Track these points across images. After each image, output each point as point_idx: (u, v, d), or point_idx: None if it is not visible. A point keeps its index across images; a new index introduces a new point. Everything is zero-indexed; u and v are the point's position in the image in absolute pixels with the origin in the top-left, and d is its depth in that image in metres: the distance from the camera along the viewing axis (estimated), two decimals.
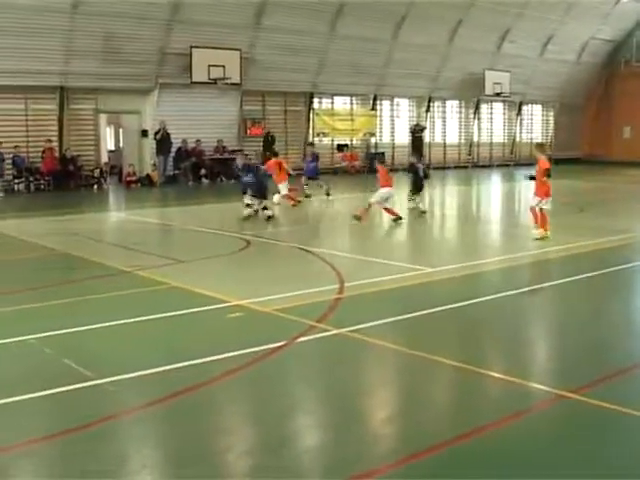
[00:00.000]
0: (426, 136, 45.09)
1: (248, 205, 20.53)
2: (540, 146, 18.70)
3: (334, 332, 9.21)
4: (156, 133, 34.10)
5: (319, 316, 9.88)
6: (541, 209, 16.70)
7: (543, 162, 16.76)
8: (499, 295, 11.63)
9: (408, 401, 7.39)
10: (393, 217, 19.87)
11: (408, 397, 7.49)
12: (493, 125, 49.87)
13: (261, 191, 20.44)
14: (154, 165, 34.51)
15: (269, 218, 19.99)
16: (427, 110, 45.45)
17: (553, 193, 16.86)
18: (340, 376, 7.97)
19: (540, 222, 16.62)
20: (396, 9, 38.89)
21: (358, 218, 19.58)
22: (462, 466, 5.82)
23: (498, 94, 46.01)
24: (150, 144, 34.52)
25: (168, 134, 33.92)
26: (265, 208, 20.25)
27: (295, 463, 6.02)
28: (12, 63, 29.68)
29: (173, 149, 34.65)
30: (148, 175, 34.23)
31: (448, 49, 42.83)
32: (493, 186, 36.79)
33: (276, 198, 23.54)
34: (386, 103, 44.07)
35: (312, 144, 34.35)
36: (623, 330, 10.06)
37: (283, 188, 24.23)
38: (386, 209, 20.16)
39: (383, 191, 20.09)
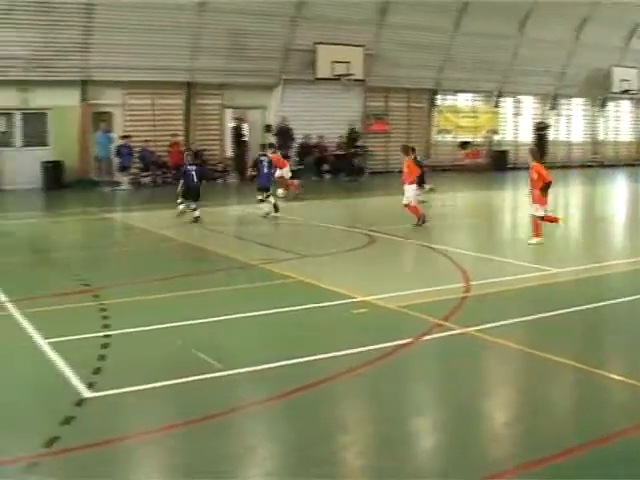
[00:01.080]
0: (550, 134, 44.26)
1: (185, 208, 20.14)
2: (534, 152, 16.87)
3: (460, 331, 9.13)
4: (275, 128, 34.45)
5: (445, 314, 9.81)
6: (534, 216, 15.98)
7: (542, 174, 15.67)
8: (627, 298, 11.30)
9: (532, 403, 7.23)
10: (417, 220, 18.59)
11: (532, 399, 7.33)
12: (620, 123, 48.58)
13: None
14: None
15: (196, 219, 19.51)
16: (552, 108, 44.60)
17: None
18: (465, 376, 7.89)
19: (536, 229, 15.91)
20: (521, 5, 38.34)
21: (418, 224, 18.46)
22: (591, 474, 5.67)
23: (626, 91, 44.81)
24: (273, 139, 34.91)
25: (289, 129, 34.15)
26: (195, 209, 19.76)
27: (415, 464, 5.99)
28: (141, 60, 30.53)
29: (296, 144, 34.89)
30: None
31: (574, 45, 41.91)
32: (618, 186, 35.83)
33: (280, 192, 23.71)
34: (510, 100, 43.42)
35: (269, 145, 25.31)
36: None
37: (286, 172, 24.67)
38: (411, 206, 18.74)
39: (412, 188, 18.66)
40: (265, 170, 20.86)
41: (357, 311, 10.22)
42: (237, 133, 33.95)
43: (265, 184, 20.77)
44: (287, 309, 10.28)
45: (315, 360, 8.11)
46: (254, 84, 34.27)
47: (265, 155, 21.48)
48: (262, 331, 9.54)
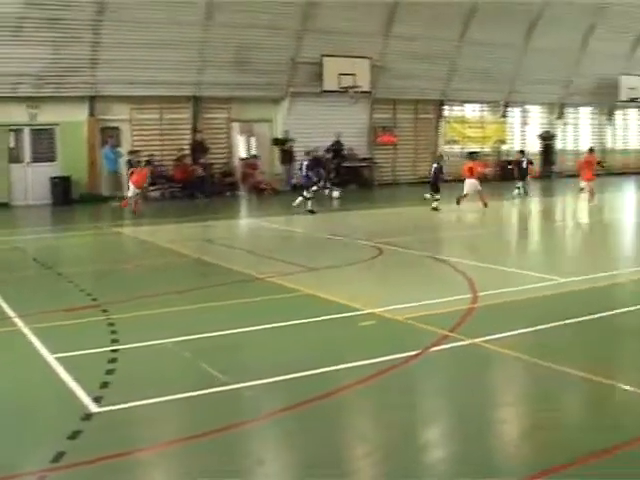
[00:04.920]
0: (557, 143, 44.21)
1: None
2: None
3: (467, 342, 9.10)
4: (281, 142, 34.63)
5: (452, 325, 9.79)
6: None
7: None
8: (636, 307, 11.26)
9: (540, 414, 7.18)
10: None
11: (540, 410, 7.29)
12: (628, 132, 48.42)
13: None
14: (277, 174, 35.07)
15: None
16: (558, 117, 44.51)
17: None
18: (474, 387, 7.88)
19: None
20: (527, 14, 38.29)
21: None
22: None
23: (633, 100, 44.67)
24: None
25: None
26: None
27: (429, 472, 5.98)
28: (149, 74, 30.79)
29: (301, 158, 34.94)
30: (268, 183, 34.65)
31: (581, 54, 41.75)
32: (627, 195, 35.71)
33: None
34: (517, 110, 43.39)
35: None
36: None
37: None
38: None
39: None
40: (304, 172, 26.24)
41: (364, 323, 10.21)
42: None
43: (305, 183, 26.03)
44: (294, 322, 10.29)
45: (323, 372, 8.11)
46: (261, 97, 34.43)
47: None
48: (269, 344, 9.54)
